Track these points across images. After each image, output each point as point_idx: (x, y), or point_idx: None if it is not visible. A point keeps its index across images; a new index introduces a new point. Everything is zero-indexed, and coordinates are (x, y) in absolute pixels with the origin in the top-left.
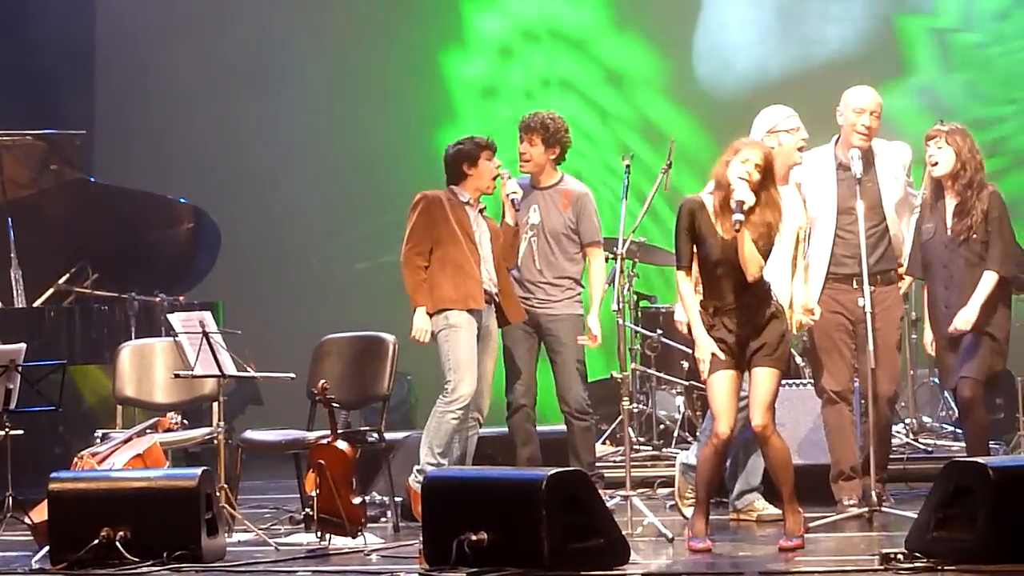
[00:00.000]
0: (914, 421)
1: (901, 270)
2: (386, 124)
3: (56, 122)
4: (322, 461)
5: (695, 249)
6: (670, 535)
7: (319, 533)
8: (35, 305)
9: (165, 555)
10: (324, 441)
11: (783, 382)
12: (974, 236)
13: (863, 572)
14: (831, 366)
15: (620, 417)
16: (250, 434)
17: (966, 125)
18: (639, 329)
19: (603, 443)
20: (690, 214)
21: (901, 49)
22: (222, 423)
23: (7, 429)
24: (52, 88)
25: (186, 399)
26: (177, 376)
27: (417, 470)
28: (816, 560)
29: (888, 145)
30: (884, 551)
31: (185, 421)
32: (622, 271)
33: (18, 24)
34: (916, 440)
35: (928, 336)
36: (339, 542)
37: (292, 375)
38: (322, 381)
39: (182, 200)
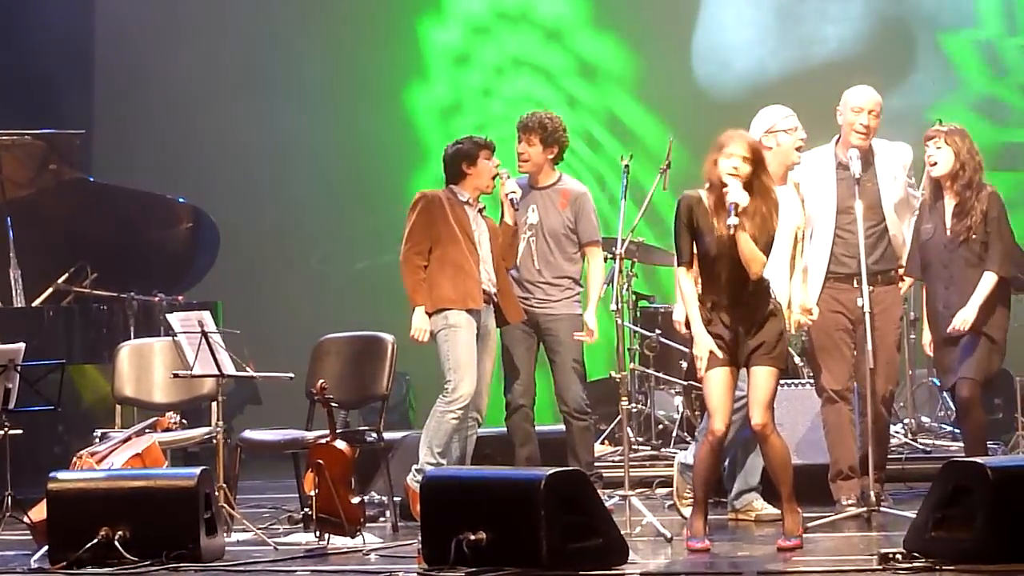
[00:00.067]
0: (913, 421)
1: (901, 271)
2: (385, 124)
3: (55, 122)
4: (321, 461)
5: (695, 244)
6: (669, 535)
7: (318, 533)
8: (34, 305)
9: (164, 554)
10: (323, 441)
11: (781, 382)
12: (973, 236)
13: (861, 572)
14: (831, 365)
15: (619, 417)
16: (249, 434)
17: None
18: (638, 329)
19: (602, 443)
20: (688, 210)
21: (900, 49)
22: (221, 423)
23: (6, 429)
24: (51, 88)
25: (185, 399)
26: (176, 376)
27: (416, 469)
28: (814, 560)
29: (889, 145)
30: (883, 551)
31: (184, 421)
32: (621, 271)
33: (18, 24)
34: (915, 440)
35: (927, 336)
36: (338, 542)
37: (291, 375)
38: (321, 381)
39: (181, 200)
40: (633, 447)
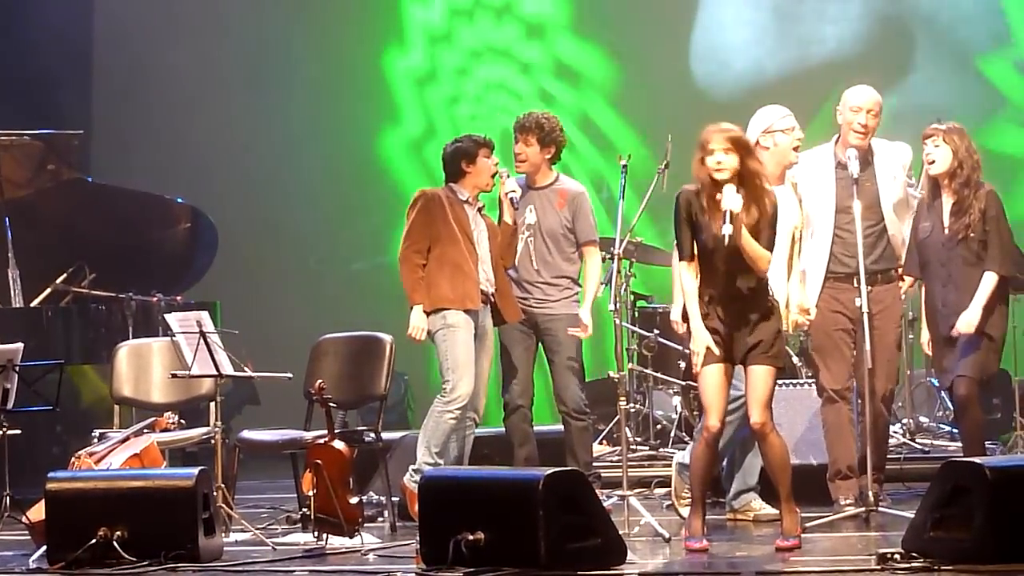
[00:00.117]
0: (911, 421)
1: (901, 271)
2: (385, 124)
3: (54, 122)
4: (319, 461)
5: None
6: (667, 535)
7: (316, 533)
8: (32, 305)
9: (162, 555)
10: (321, 441)
11: (780, 382)
12: (972, 235)
13: (860, 572)
14: (830, 365)
15: (617, 417)
16: (247, 434)
17: None
18: (636, 329)
19: (600, 443)
20: (687, 204)
21: (898, 49)
22: (219, 423)
23: (5, 429)
24: (50, 88)
25: (183, 399)
26: (174, 376)
27: (413, 469)
28: (813, 560)
29: (888, 145)
30: (881, 551)
31: (182, 421)
32: (619, 271)
33: (16, 24)
34: (913, 440)
35: (925, 335)
36: (336, 542)
37: (289, 375)
38: (319, 381)
39: (180, 200)
40: (631, 447)
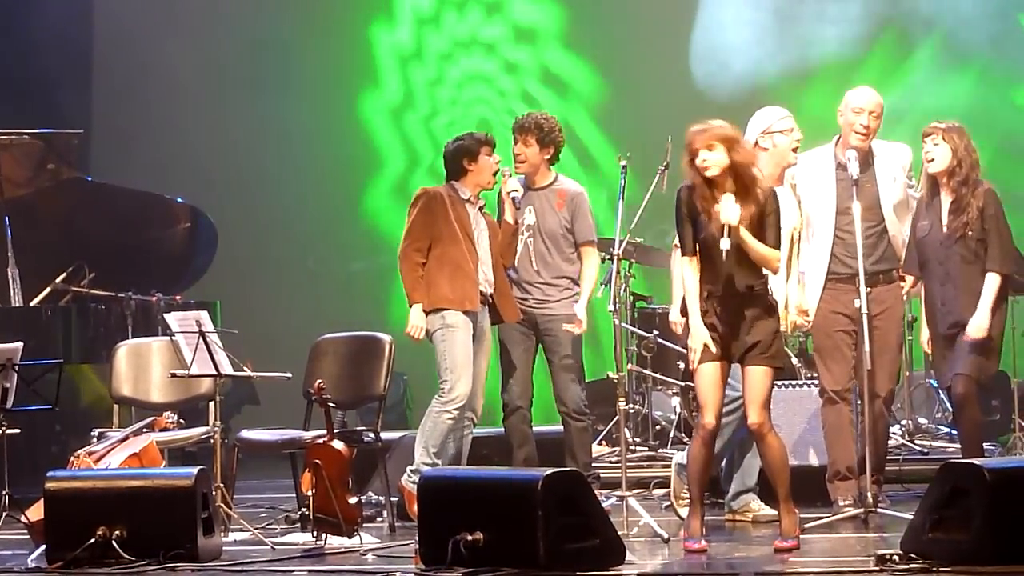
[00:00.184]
0: (910, 422)
1: (901, 271)
2: (383, 125)
3: (54, 121)
4: (318, 461)
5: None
6: (666, 536)
7: (315, 533)
8: (32, 304)
9: (161, 554)
10: (320, 441)
11: (778, 383)
12: (970, 233)
13: (858, 573)
14: (831, 366)
15: (616, 418)
16: (246, 433)
17: None
18: (635, 330)
19: (599, 443)
20: (687, 200)
21: (898, 50)
22: (218, 422)
23: (4, 428)
24: (50, 87)
25: (182, 398)
26: (173, 375)
27: (411, 470)
28: (811, 561)
29: (888, 146)
30: (880, 552)
31: (181, 420)
32: (618, 272)
33: (16, 23)
34: (912, 441)
35: (925, 333)
36: (335, 542)
37: (288, 375)
38: (318, 381)
39: (179, 200)
40: (630, 448)
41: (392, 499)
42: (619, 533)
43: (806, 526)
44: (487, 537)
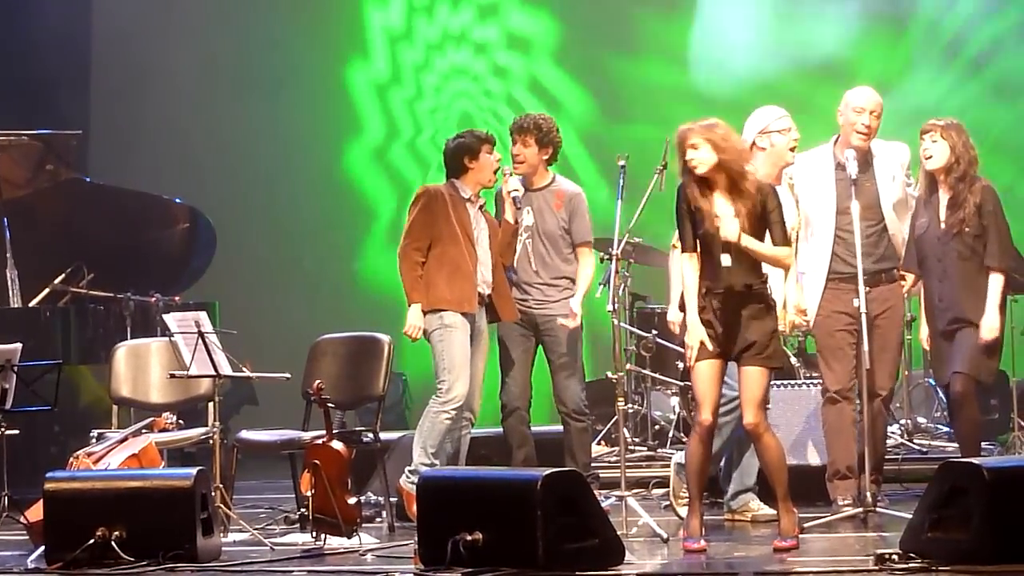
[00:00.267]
0: (909, 422)
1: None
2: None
3: (52, 122)
4: (317, 461)
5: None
6: (665, 535)
7: (314, 533)
8: (31, 305)
9: (160, 555)
10: (319, 441)
11: (778, 382)
12: (967, 229)
13: (857, 573)
14: (833, 365)
15: (615, 418)
16: (245, 434)
17: None
18: (634, 330)
19: (598, 443)
20: (688, 196)
21: (897, 50)
22: (217, 423)
23: (3, 429)
24: (48, 88)
25: (181, 399)
26: (172, 376)
27: (409, 471)
28: (810, 561)
29: (886, 145)
30: (879, 552)
31: (180, 421)
32: (617, 272)
33: (15, 24)
34: (911, 441)
35: (924, 331)
36: (334, 542)
37: (287, 375)
38: (317, 381)
39: (178, 200)
40: (629, 448)
41: (391, 499)
42: (618, 533)
43: (805, 526)
44: (486, 537)
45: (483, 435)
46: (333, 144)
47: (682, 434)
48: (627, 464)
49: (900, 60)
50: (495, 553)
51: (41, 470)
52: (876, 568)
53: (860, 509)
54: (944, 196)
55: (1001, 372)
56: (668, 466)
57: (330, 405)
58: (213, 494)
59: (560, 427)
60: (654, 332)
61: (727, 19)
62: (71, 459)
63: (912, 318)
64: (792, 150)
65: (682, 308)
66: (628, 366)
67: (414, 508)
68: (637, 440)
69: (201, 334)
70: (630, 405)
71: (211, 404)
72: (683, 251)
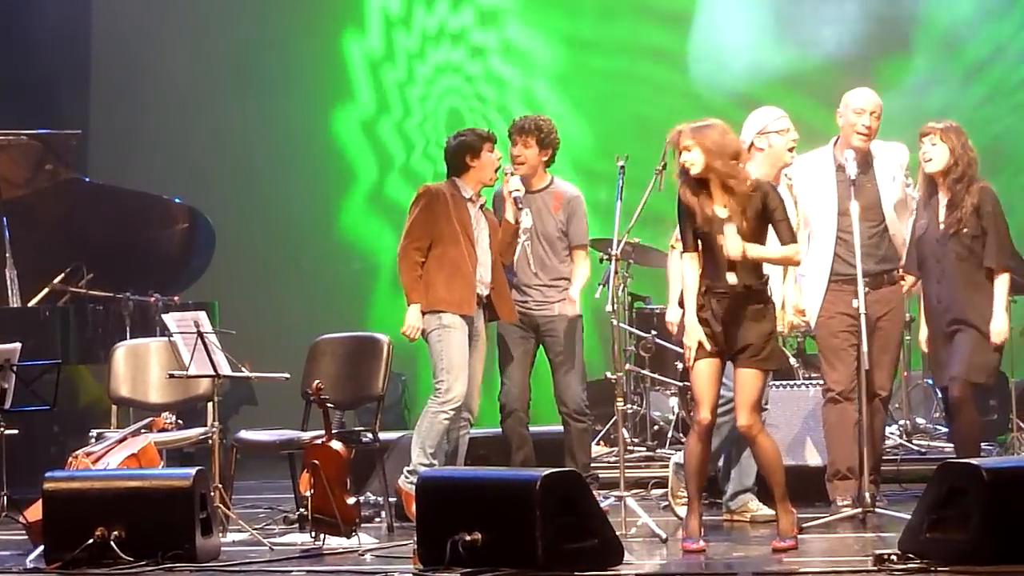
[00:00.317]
0: (908, 422)
1: (901, 271)
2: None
3: (52, 122)
4: (316, 461)
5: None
6: (664, 536)
7: (313, 533)
8: (30, 305)
9: (160, 555)
10: (318, 441)
11: (777, 383)
12: (964, 231)
13: (856, 573)
14: (837, 365)
15: (614, 418)
16: (244, 434)
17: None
18: (633, 330)
19: (597, 444)
20: (686, 196)
21: (896, 51)
22: (217, 423)
23: (2, 428)
24: (48, 88)
25: (181, 399)
26: (172, 376)
27: (408, 471)
28: (809, 561)
29: (885, 146)
30: (877, 552)
31: (180, 421)
32: (616, 272)
33: (14, 23)
34: (910, 441)
35: (924, 332)
36: (333, 542)
37: (286, 375)
38: (316, 381)
39: (177, 200)
40: (629, 448)
41: (390, 499)
42: (617, 533)
43: (804, 526)
44: (485, 537)
45: (482, 435)
46: (333, 144)
47: (681, 434)
48: (626, 464)
49: (899, 61)
50: (494, 553)
51: (40, 470)
52: (875, 568)
53: (859, 509)
54: (943, 198)
55: (1000, 373)
56: (667, 467)
57: (329, 405)
58: (212, 494)
59: (559, 427)
60: (653, 332)
61: (726, 20)
62: (70, 459)
63: (911, 319)
64: (790, 151)
65: (682, 306)
66: (627, 366)
67: (413, 508)
68: (636, 440)
69: (200, 334)
70: (629, 405)
71: (210, 404)
72: (684, 251)
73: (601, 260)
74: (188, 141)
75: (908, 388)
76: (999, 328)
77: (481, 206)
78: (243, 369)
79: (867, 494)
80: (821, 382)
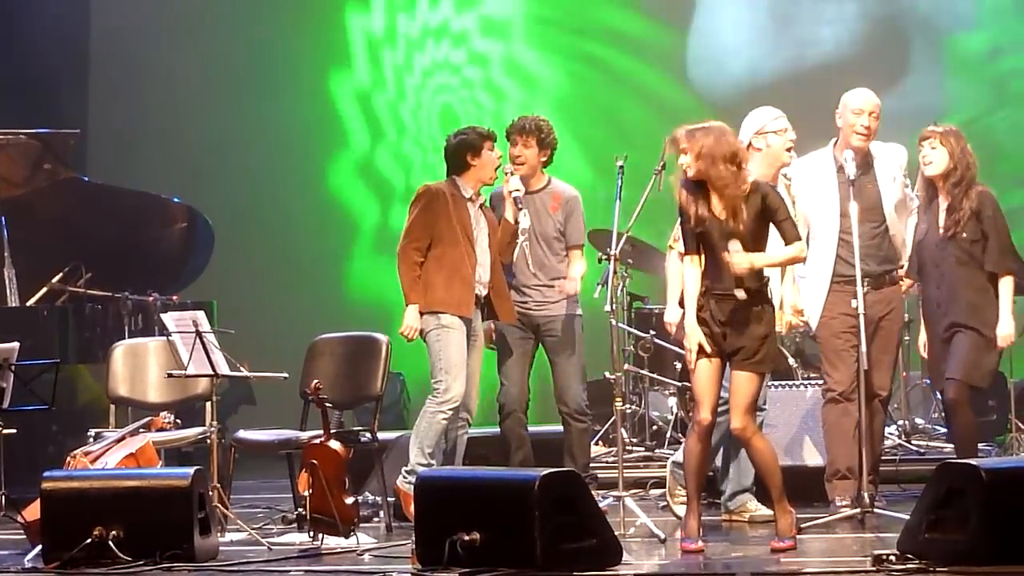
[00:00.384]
0: (906, 423)
1: (902, 272)
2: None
3: (50, 121)
4: (315, 461)
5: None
6: (662, 536)
7: (312, 533)
8: (29, 304)
9: (158, 554)
10: (317, 441)
11: (776, 383)
12: (963, 235)
13: (855, 573)
14: (839, 365)
15: (613, 418)
16: (243, 434)
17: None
18: (632, 330)
19: (596, 444)
20: (685, 197)
21: (895, 51)
22: (215, 423)
23: (0, 428)
24: (47, 87)
25: (179, 398)
26: (170, 375)
27: (406, 471)
28: (808, 561)
29: (884, 147)
30: (876, 552)
31: (178, 420)
32: (615, 272)
33: (13, 22)
34: (908, 442)
35: (923, 336)
36: (332, 542)
37: (285, 375)
38: (315, 381)
39: (176, 200)
40: (627, 448)
41: (389, 499)
42: (616, 533)
43: (802, 526)
44: (484, 537)
45: (481, 435)
46: (333, 143)
47: (680, 434)
48: (625, 464)
49: (898, 62)
50: (493, 553)
51: (38, 469)
52: (873, 569)
53: (858, 510)
54: (943, 202)
55: (999, 373)
56: (666, 467)
57: (328, 405)
58: (210, 493)
59: (559, 427)
60: (652, 332)
61: (725, 21)
62: (68, 458)
63: (910, 319)
64: (788, 151)
65: (681, 306)
66: (626, 366)
67: (411, 508)
68: (635, 440)
69: (199, 333)
70: (628, 405)
71: (209, 404)
72: (685, 253)
73: (600, 260)
74: (187, 140)
75: (907, 388)
76: (1006, 332)
77: (481, 205)
78: (241, 369)
79: (866, 494)
80: (820, 382)
